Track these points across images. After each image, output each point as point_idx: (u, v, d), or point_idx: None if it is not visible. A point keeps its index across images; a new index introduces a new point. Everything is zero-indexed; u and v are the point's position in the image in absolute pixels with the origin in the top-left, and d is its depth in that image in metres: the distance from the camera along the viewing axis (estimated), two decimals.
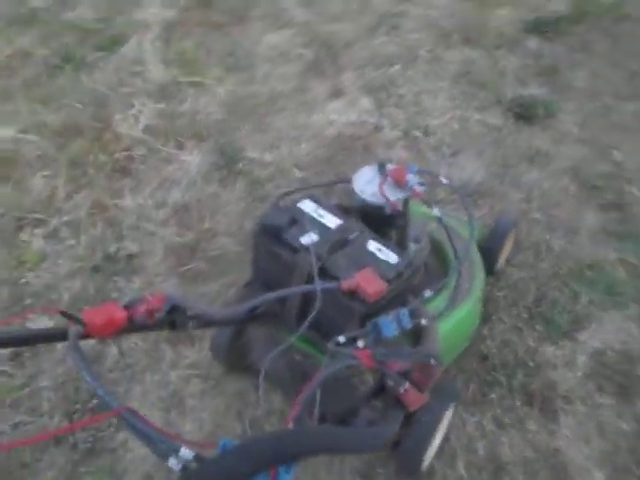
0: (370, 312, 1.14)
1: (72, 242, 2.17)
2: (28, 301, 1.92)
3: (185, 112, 2.69)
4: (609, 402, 1.57)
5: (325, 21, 3.26)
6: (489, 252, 1.71)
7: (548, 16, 3.11)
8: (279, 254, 1.25)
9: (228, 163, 2.40)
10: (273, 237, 1.26)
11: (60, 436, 1.63)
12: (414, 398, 1.16)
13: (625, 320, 1.74)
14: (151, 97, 2.79)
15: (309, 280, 1.17)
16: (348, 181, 1.47)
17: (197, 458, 0.73)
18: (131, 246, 2.14)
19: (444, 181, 1.47)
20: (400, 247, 1.32)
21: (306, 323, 1.13)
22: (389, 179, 1.38)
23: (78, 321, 0.95)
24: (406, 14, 3.27)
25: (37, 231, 2.19)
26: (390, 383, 1.13)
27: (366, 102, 2.68)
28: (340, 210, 1.39)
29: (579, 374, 1.62)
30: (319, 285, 1.10)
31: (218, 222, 2.19)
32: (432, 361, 1.10)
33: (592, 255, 1.91)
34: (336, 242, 1.24)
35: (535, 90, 2.65)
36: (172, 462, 0.73)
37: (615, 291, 1.80)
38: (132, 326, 0.99)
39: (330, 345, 1.11)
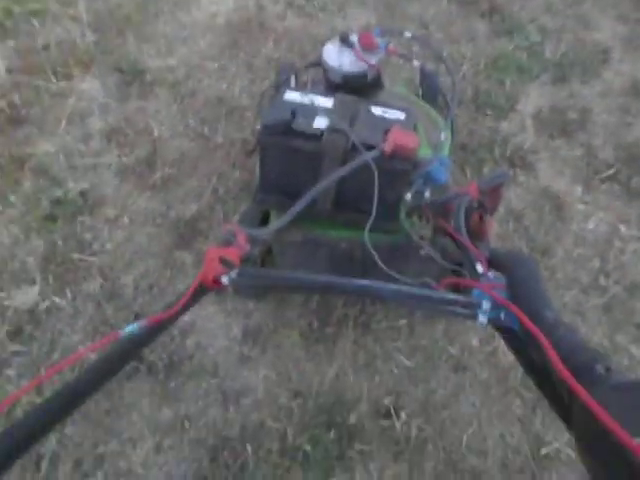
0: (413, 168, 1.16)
1: None
2: None
3: (47, 43, 2.36)
4: (560, 143, 1.98)
5: None
6: None
7: None
8: (299, 147, 1.16)
9: (135, 77, 2.24)
10: (283, 134, 1.16)
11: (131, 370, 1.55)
12: (490, 225, 1.18)
13: (541, 85, 2.16)
14: None
15: (344, 161, 1.13)
16: (318, 62, 1.46)
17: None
18: (78, 185, 1.94)
19: (408, 35, 1.50)
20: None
21: (375, 200, 1.08)
22: (359, 47, 1.40)
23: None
24: None
25: None
26: (476, 217, 1.12)
27: None
28: (323, 89, 1.40)
29: (532, 132, 2.00)
30: (369, 156, 1.08)
31: (160, 130, 2.07)
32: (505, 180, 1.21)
33: (495, 50, 2.28)
34: (347, 117, 1.18)
35: None
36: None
37: (525, 69, 2.20)
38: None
39: (409, 204, 1.17)
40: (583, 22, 2.35)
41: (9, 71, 2.26)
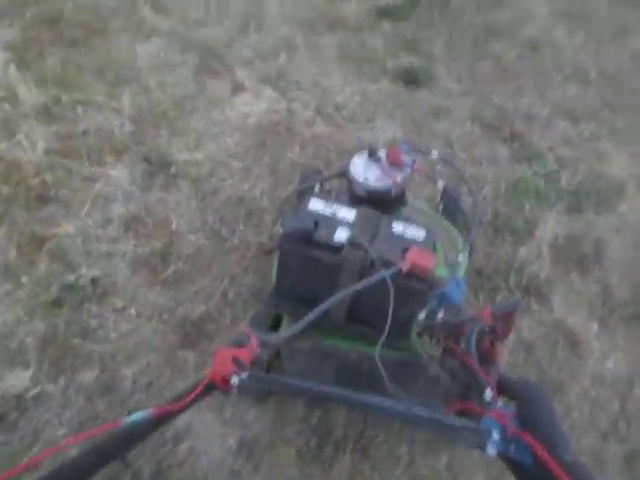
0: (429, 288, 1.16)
1: (9, 287, 1.89)
2: None
3: (87, 130, 2.48)
4: (576, 276, 1.97)
5: (191, 27, 3.26)
6: None
7: (386, 5, 3.56)
8: (318, 258, 1.18)
9: (161, 169, 2.31)
10: (304, 243, 1.18)
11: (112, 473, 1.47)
12: (502, 351, 1.19)
13: (558, 213, 2.18)
14: (34, 120, 2.51)
15: (361, 275, 1.14)
16: (344, 173, 1.50)
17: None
18: (90, 271, 1.95)
19: (435, 154, 1.55)
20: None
21: (389, 317, 1.08)
22: (385, 162, 1.43)
23: None
24: (267, 12, 3.43)
25: None
26: (487, 342, 1.10)
27: (270, 92, 2.79)
28: (346, 200, 1.42)
29: (548, 261, 2.00)
30: (386, 273, 1.09)
31: (179, 223, 2.11)
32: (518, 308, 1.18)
33: (515, 175, 2.33)
34: (368, 231, 1.21)
35: (408, 59, 3.03)
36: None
37: (542, 196, 2.24)
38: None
39: (422, 323, 1.18)
40: (599, 156, 2.42)
41: (47, 152, 2.35)
